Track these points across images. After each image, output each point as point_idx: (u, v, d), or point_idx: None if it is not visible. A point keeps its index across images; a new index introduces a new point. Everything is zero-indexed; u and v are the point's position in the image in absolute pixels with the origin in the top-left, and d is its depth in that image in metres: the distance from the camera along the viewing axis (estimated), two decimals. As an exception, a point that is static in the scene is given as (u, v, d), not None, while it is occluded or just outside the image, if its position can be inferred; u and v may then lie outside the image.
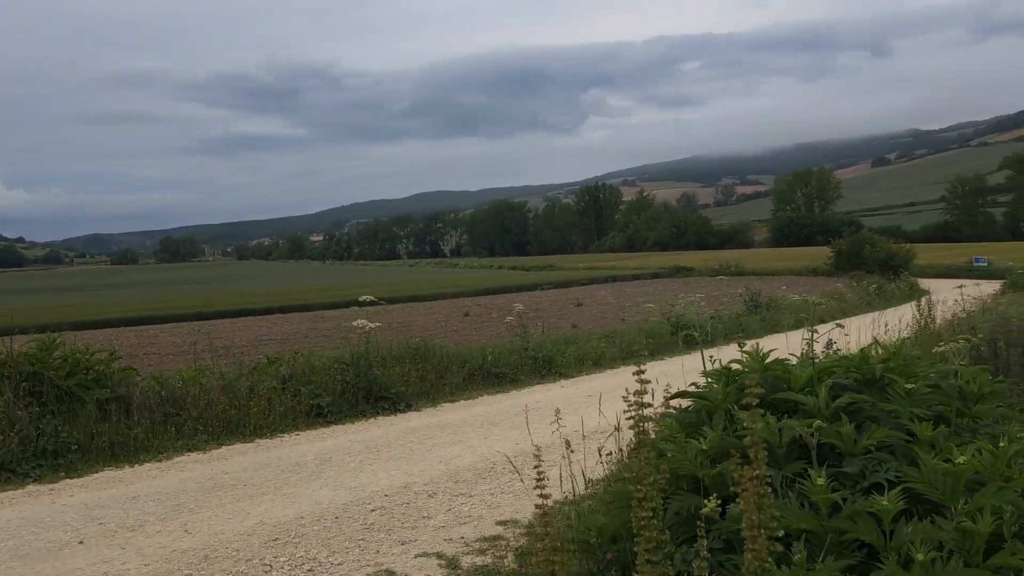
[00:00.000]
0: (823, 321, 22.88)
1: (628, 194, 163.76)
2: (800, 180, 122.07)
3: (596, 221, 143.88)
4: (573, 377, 11.25)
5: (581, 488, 5.18)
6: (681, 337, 14.68)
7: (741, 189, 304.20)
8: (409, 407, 8.87)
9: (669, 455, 2.63)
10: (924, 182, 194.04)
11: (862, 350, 3.39)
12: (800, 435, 2.40)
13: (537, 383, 10.66)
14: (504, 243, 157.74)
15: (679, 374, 10.59)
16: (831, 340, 9.39)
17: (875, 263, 39.87)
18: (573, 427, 7.71)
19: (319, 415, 8.11)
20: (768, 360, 3.27)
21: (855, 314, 24.93)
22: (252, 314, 37.85)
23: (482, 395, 9.76)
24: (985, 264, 47.11)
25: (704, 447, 2.58)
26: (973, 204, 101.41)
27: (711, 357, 4.47)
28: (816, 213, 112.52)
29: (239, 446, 7.27)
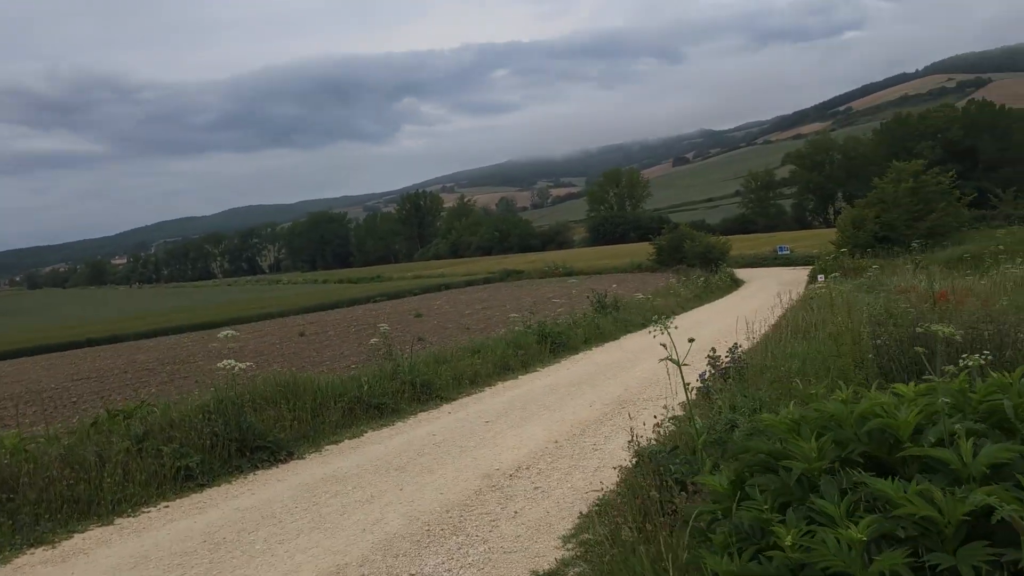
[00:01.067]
0: (666, 317, 23.75)
1: (448, 200, 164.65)
2: (611, 180, 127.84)
3: (419, 229, 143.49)
4: (455, 400, 10.59)
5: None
6: (548, 348, 14.46)
7: (555, 191, 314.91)
8: (291, 455, 7.77)
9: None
10: (719, 178, 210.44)
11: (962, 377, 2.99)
12: (981, 509, 1.93)
13: (420, 411, 9.89)
14: (326, 256, 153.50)
15: (564, 388, 10.35)
16: (735, 345, 9.41)
17: (695, 256, 42.20)
18: (490, 464, 7.10)
19: (188, 478, 6.80)
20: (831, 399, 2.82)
21: (692, 307, 26.18)
22: (53, 350, 33.84)
23: (366, 431, 8.85)
24: (788, 252, 51.43)
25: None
26: (765, 197, 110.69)
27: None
28: (628, 211, 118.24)
29: (97, 531, 5.83)
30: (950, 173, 32.46)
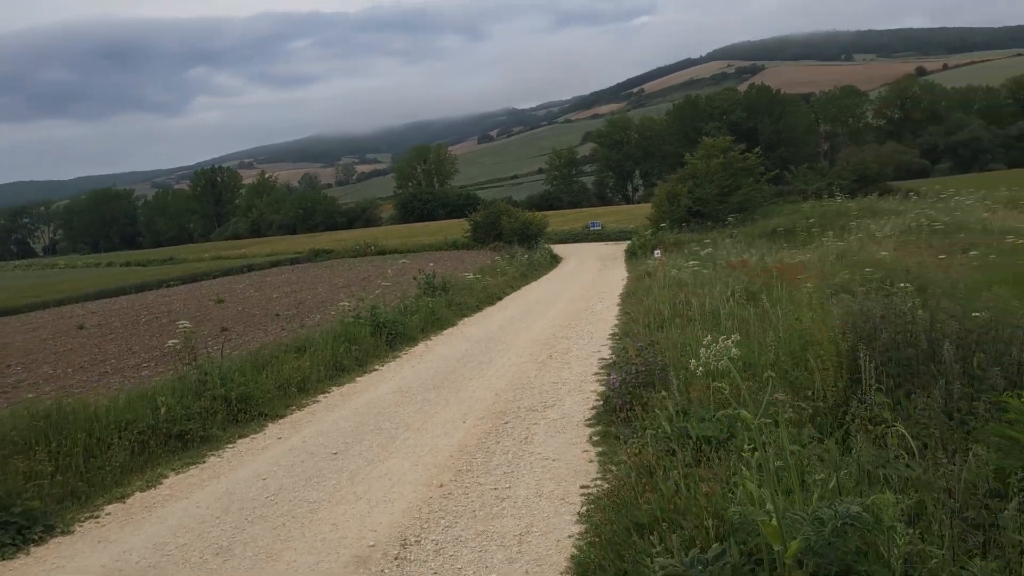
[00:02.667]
0: (499, 297, 22.54)
1: (248, 177, 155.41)
2: (419, 156, 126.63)
3: (216, 206, 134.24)
4: (284, 417, 8.42)
5: None
6: (383, 340, 12.55)
7: (361, 168, 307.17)
8: (49, 530, 5.26)
9: None
10: (523, 156, 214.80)
11: None
12: None
13: (239, 436, 7.64)
14: (110, 236, 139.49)
15: (419, 395, 8.51)
16: (652, 341, 7.96)
17: (513, 233, 41.50)
18: (358, 534, 4.94)
19: None
20: None
21: (522, 286, 25.12)
22: None
23: (165, 475, 6.47)
24: (599, 228, 52.33)
25: None
26: (568, 175, 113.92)
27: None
28: (437, 188, 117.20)
29: None
30: (755, 150, 33.87)
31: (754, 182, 32.82)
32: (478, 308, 18.79)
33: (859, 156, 56.41)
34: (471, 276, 22.72)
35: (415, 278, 20.81)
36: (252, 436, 7.69)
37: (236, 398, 8.26)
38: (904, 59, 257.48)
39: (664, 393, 6.04)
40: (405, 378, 10.14)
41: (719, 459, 4.71)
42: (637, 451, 5.10)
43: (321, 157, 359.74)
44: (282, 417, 8.42)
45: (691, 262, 20.42)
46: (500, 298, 21.12)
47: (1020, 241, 15.65)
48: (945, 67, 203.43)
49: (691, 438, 5.09)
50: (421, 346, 12.87)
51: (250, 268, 53.35)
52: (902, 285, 9.93)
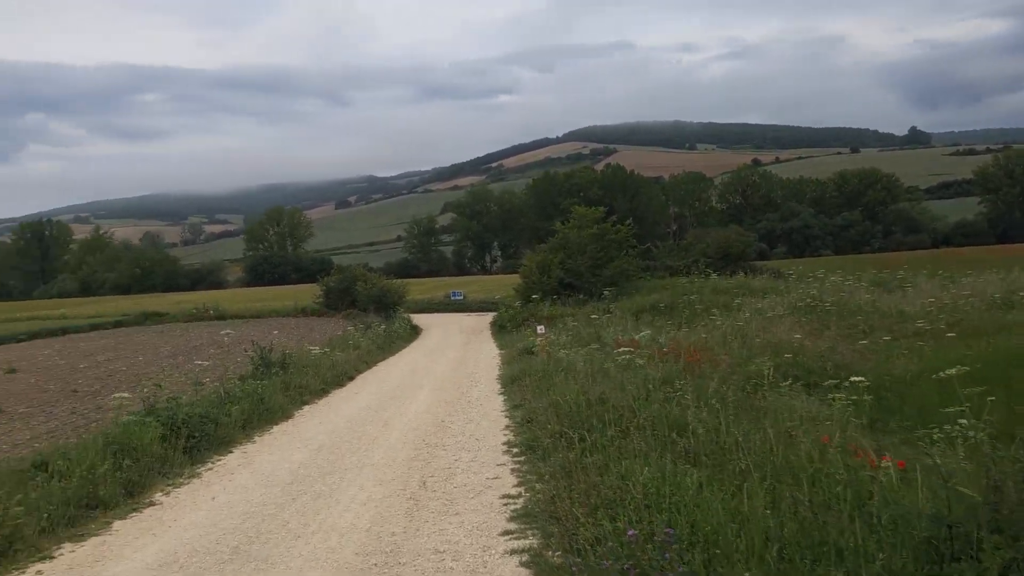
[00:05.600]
0: (350, 377, 19.07)
1: (82, 232, 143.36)
2: (272, 218, 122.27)
3: (43, 262, 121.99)
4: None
5: None
6: (181, 447, 8.97)
7: (210, 228, 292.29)
8: None
9: None
10: (382, 223, 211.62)
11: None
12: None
13: None
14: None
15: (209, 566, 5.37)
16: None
17: (369, 300, 38.19)
18: None
19: None
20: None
21: (379, 361, 21.73)
22: None
23: None
24: (461, 298, 49.93)
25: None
26: (427, 243, 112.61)
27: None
28: (290, 251, 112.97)
29: None
30: (627, 222, 32.67)
31: (625, 255, 31.45)
32: (323, 391, 15.39)
33: (706, 237, 57.61)
34: (317, 350, 19.18)
35: (245, 351, 17.13)
36: None
37: None
38: (742, 150, 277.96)
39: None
40: (193, 527, 6.63)
41: None
42: None
43: (167, 215, 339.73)
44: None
45: (569, 338, 18.05)
46: (351, 378, 17.76)
47: (928, 327, 14.34)
48: (777, 160, 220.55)
49: None
50: (236, 454, 9.34)
51: (65, 331, 46.53)
52: (857, 379, 7.77)
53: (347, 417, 11.84)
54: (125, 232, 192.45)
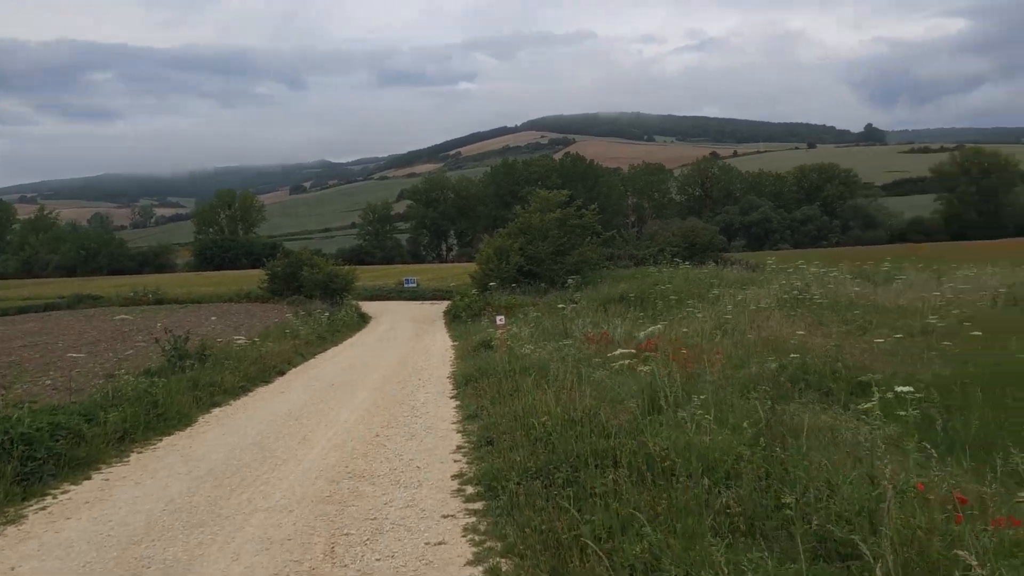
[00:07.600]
0: (280, 372, 16.76)
1: (26, 212, 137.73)
2: (223, 201, 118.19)
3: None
4: None
5: None
6: (10, 474, 6.63)
7: (161, 211, 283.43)
8: None
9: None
10: (337, 210, 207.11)
11: None
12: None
13: None
14: None
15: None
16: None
17: (316, 286, 35.73)
18: None
19: None
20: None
21: (316, 353, 19.33)
22: None
23: None
24: (415, 285, 47.69)
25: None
26: (382, 230, 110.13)
27: None
28: (241, 236, 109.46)
29: None
30: (592, 207, 30.68)
31: (589, 242, 29.47)
32: (243, 390, 13.10)
33: (666, 229, 56.13)
34: (243, 340, 16.76)
35: (157, 340, 14.71)
36: None
37: None
38: (700, 143, 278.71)
39: None
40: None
41: None
42: None
43: (117, 197, 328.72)
44: None
45: (532, 331, 16.03)
46: (282, 372, 15.47)
47: (942, 323, 12.62)
48: (735, 154, 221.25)
49: None
50: (94, 483, 6.97)
51: (-9, 313, 43.21)
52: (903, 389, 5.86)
53: (260, 426, 9.59)
54: (73, 213, 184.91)
